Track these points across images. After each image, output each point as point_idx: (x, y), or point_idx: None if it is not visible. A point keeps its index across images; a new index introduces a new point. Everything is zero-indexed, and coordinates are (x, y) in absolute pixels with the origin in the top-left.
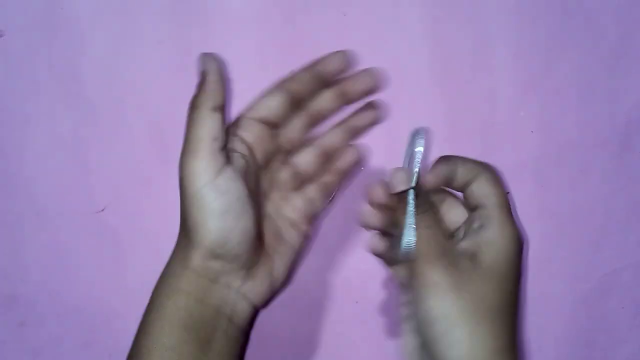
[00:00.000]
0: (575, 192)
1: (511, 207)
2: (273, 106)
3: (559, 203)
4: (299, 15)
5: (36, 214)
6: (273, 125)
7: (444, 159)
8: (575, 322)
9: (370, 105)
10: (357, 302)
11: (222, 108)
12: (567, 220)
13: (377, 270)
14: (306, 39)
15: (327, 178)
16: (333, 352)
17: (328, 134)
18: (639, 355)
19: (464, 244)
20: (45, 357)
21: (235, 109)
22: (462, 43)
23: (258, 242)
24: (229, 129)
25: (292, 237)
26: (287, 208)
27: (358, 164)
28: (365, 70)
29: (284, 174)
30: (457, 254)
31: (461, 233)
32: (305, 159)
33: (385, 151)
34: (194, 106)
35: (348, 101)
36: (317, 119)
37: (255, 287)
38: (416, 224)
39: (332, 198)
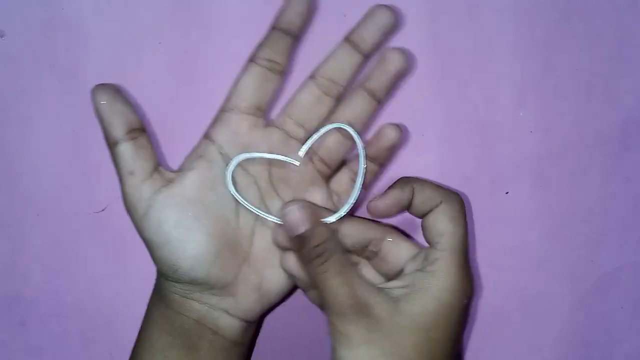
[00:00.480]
0: (574, 192)
1: (468, 249)
2: (250, 90)
3: (558, 203)
4: None
5: (37, 214)
6: (258, 113)
7: (401, 183)
8: (573, 321)
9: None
10: None
11: (124, 138)
12: (566, 220)
13: None
14: (306, 39)
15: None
16: None
17: (345, 107)
18: (638, 355)
19: (395, 285)
20: (46, 356)
21: None
22: (461, 43)
23: (229, 261)
24: (207, 131)
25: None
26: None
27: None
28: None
29: (267, 174)
30: (379, 299)
31: (406, 269)
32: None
33: None
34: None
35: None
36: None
37: (238, 304)
38: (322, 272)
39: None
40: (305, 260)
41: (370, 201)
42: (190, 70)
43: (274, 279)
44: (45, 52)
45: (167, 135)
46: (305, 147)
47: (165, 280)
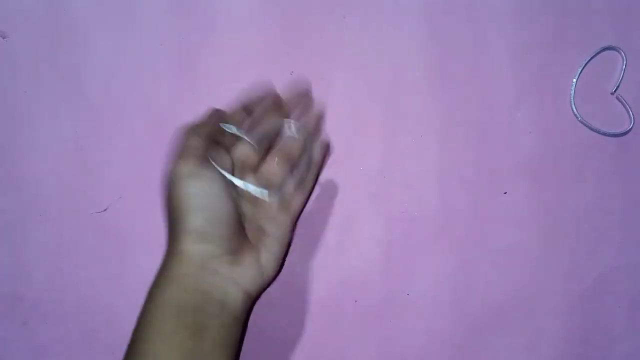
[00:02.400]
0: (572, 192)
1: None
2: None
3: (556, 203)
4: (299, 19)
5: (39, 214)
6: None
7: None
8: (571, 321)
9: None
10: (356, 302)
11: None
12: (563, 220)
13: (377, 270)
14: (306, 42)
15: (300, 172)
16: (333, 351)
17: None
18: (635, 354)
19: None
20: (48, 355)
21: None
22: (460, 44)
23: (240, 229)
24: (212, 136)
25: (273, 230)
26: (263, 204)
27: (326, 155)
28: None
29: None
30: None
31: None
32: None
33: (384, 152)
34: (192, 127)
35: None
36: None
37: (244, 273)
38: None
39: (309, 193)
40: None
41: None
42: (191, 71)
43: (268, 257)
44: (48, 53)
45: (167, 136)
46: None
47: (188, 247)
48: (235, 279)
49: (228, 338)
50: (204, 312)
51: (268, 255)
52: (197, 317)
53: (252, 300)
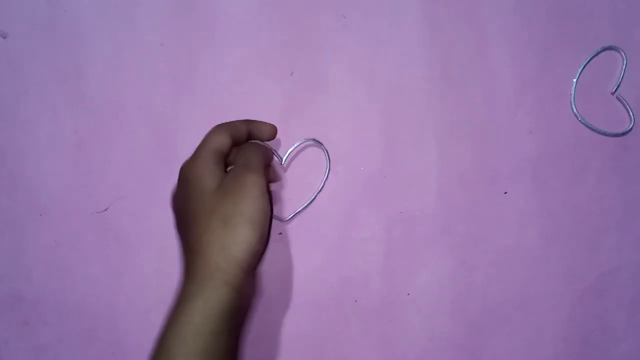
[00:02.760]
0: (573, 192)
1: None
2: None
3: (557, 203)
4: (299, 18)
5: (39, 214)
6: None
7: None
8: (572, 320)
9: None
10: (356, 302)
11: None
12: (564, 220)
13: (377, 270)
14: (306, 41)
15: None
16: (333, 351)
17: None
18: (636, 354)
19: None
20: (48, 355)
21: (235, 110)
22: (460, 45)
23: None
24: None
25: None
26: None
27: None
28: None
29: None
30: None
31: None
32: None
33: (384, 152)
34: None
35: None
36: None
37: (249, 282)
38: None
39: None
40: None
41: None
42: (191, 71)
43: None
44: (48, 53)
45: (169, 135)
46: (286, 156)
47: (236, 275)
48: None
49: (237, 339)
50: (243, 314)
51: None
52: (238, 319)
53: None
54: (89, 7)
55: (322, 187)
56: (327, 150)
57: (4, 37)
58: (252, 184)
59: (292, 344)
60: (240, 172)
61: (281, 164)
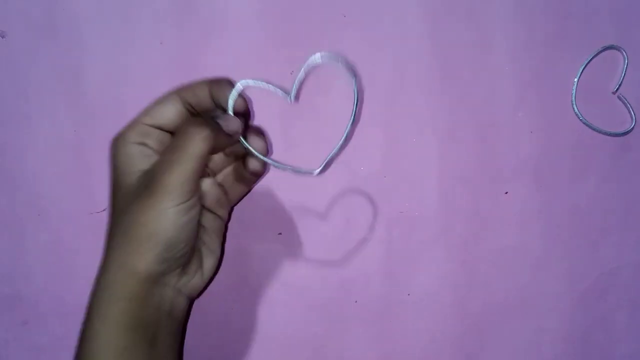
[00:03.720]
0: (574, 192)
1: None
2: (169, 115)
3: (558, 203)
4: (299, 17)
5: (38, 214)
6: (169, 131)
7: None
8: (573, 321)
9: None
10: (356, 302)
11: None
12: (565, 220)
13: (377, 270)
14: (306, 40)
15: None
16: (333, 351)
17: None
18: (636, 354)
19: None
20: (47, 356)
21: None
22: (461, 44)
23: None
24: (127, 133)
25: (211, 224)
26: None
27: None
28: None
29: None
30: None
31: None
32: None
33: (384, 152)
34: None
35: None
36: None
37: (189, 282)
38: None
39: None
40: None
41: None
42: (191, 70)
43: (209, 257)
44: (47, 52)
45: None
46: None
47: (148, 268)
48: (181, 288)
49: (175, 343)
50: (155, 324)
51: (209, 257)
52: (149, 331)
53: (192, 303)
54: (89, 7)
55: (353, 120)
56: (353, 67)
57: (3, 37)
58: (164, 193)
59: (292, 344)
60: (159, 170)
61: (289, 101)
